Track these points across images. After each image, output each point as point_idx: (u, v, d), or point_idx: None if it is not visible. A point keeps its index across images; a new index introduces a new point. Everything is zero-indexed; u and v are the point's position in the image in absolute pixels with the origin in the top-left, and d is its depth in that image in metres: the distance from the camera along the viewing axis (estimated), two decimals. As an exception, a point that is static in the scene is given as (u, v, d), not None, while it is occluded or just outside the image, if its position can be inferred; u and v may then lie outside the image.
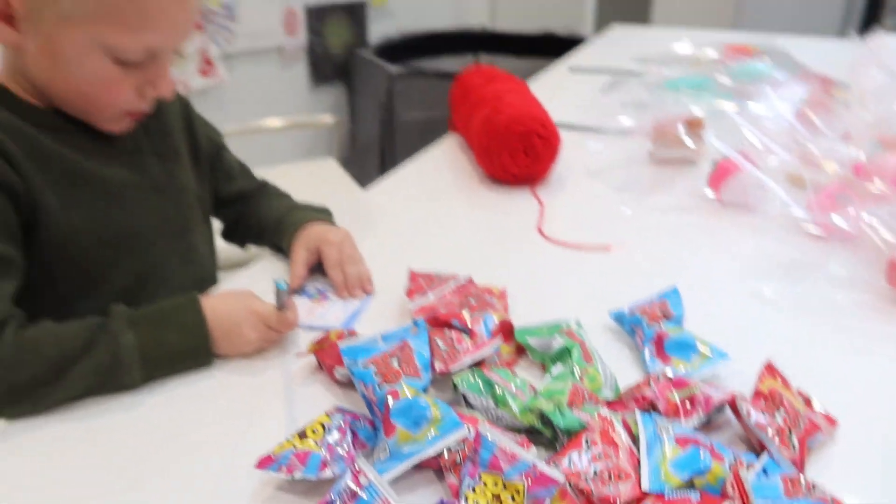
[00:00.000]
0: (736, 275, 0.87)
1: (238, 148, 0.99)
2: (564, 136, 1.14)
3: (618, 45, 2.22)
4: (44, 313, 0.66)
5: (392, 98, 2.82)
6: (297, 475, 0.51)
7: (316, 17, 2.88)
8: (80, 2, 0.62)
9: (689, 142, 1.18)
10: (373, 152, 2.98)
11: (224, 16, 2.47)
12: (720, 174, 1.04)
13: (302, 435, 0.54)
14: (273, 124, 2.01)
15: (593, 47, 2.21)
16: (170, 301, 0.69)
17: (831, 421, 0.61)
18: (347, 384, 0.65)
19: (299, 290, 0.82)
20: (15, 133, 0.68)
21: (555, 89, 1.70)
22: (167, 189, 0.80)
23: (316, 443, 0.54)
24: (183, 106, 0.87)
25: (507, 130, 1.06)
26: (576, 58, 2.03)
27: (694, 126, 1.23)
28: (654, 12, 4.08)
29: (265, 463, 0.53)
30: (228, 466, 0.57)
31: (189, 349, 0.67)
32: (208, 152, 0.90)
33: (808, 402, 0.62)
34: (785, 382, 0.63)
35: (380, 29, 3.29)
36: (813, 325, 0.77)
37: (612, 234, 0.97)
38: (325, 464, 0.52)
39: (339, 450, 0.53)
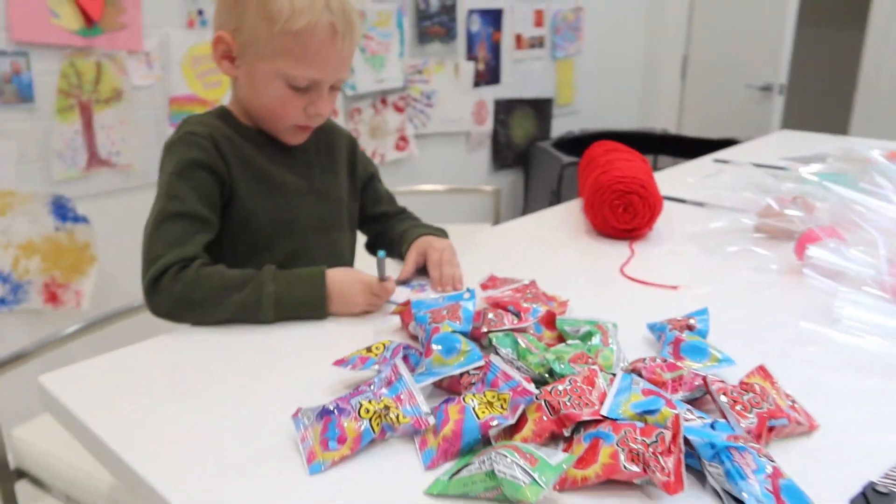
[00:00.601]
0: (786, 316, 0.96)
1: (413, 206, 1.26)
2: (678, 208, 1.28)
3: (777, 145, 2.28)
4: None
5: (561, 184, 3.05)
6: (357, 370, 0.72)
7: (504, 110, 3.21)
8: (268, 45, 0.93)
9: (790, 215, 1.26)
10: (539, 232, 3.19)
11: (423, 103, 2.88)
12: (804, 240, 1.13)
13: (368, 349, 0.75)
14: (438, 188, 2.31)
15: (751, 145, 2.29)
16: (306, 269, 0.94)
17: (810, 419, 0.70)
18: (415, 338, 0.85)
19: (405, 282, 1.05)
20: (230, 142, 1.00)
21: (689, 173, 1.83)
22: (324, 195, 1.08)
23: (375, 354, 0.74)
24: (351, 141, 1.17)
25: (609, 188, 1.23)
26: (728, 152, 2.13)
27: (801, 203, 1.30)
28: (853, 127, 3.97)
29: (339, 362, 0.74)
30: (318, 374, 0.78)
31: (310, 303, 0.92)
32: (362, 177, 1.18)
33: (793, 402, 0.72)
34: (773, 383, 0.73)
35: (563, 125, 3.56)
36: (840, 367, 0.84)
37: (687, 280, 1.09)
38: (377, 364, 0.72)
39: (389, 361, 0.73)
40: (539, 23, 3.25)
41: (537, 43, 3.28)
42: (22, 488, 1.16)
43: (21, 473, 1.15)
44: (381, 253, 0.92)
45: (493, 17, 3.01)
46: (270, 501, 0.59)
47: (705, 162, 2.00)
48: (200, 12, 2.04)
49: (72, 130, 1.85)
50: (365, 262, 1.23)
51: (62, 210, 1.88)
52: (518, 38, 3.16)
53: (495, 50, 3.07)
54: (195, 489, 0.60)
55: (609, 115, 3.87)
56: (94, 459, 0.69)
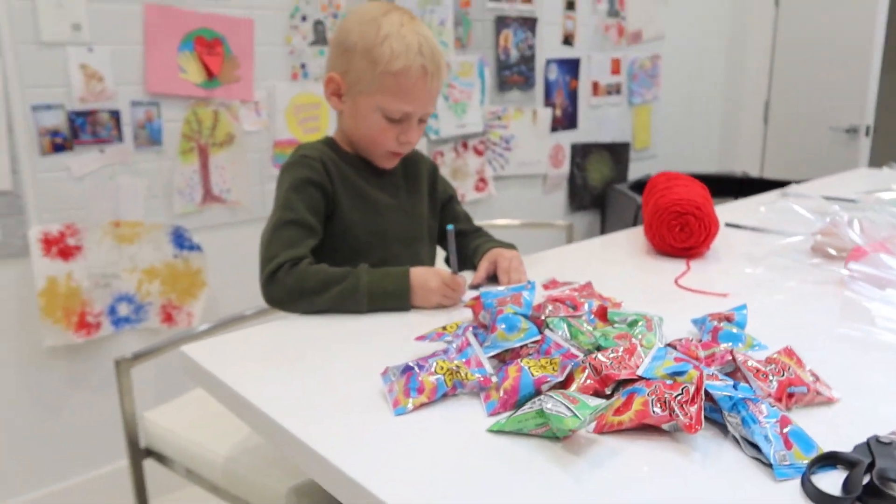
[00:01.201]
0: (826, 318, 1.04)
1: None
2: (739, 233, 1.37)
3: (852, 181, 2.31)
4: None
5: (636, 224, 3.13)
6: (435, 342, 0.87)
7: (581, 154, 3.34)
8: (371, 83, 1.13)
9: (845, 235, 1.33)
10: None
11: (502, 147, 3.05)
12: (853, 255, 1.20)
13: (443, 327, 0.90)
14: (513, 222, 2.45)
15: (827, 181, 2.33)
16: (394, 267, 1.11)
17: (830, 391, 0.79)
18: (485, 327, 0.99)
19: (477, 287, 1.19)
20: (335, 165, 1.20)
21: (756, 204, 1.90)
22: (409, 212, 1.25)
23: (450, 331, 0.89)
24: (432, 166, 1.36)
25: (667, 209, 1.35)
26: (801, 187, 2.18)
27: (858, 225, 1.37)
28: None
29: (420, 338, 0.89)
30: (401, 349, 0.93)
31: (396, 294, 1.08)
32: (441, 197, 1.37)
33: (816, 377, 0.81)
34: (799, 362, 0.82)
35: (641, 168, 3.65)
36: (872, 359, 0.92)
37: (739, 290, 1.18)
38: (450, 338, 0.86)
39: (461, 336, 0.87)
40: (616, 70, 3.39)
41: (614, 90, 3.41)
42: (148, 465, 1.35)
43: (149, 452, 1.35)
44: (450, 227, 1.09)
45: (571, 66, 3.17)
46: (369, 433, 0.73)
47: (774, 195, 2.06)
48: (303, 66, 2.29)
49: (191, 170, 2.12)
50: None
51: (180, 239, 2.13)
52: (595, 85, 3.31)
53: (572, 96, 3.22)
54: (310, 424, 0.75)
55: (688, 159, 3.93)
56: (213, 434, 0.85)
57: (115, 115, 1.94)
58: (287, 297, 1.08)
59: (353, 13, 1.18)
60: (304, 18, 2.26)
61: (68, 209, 1.90)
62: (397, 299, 1.08)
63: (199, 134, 2.12)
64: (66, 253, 1.93)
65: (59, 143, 1.87)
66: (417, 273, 1.09)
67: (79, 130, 1.89)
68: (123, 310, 2.08)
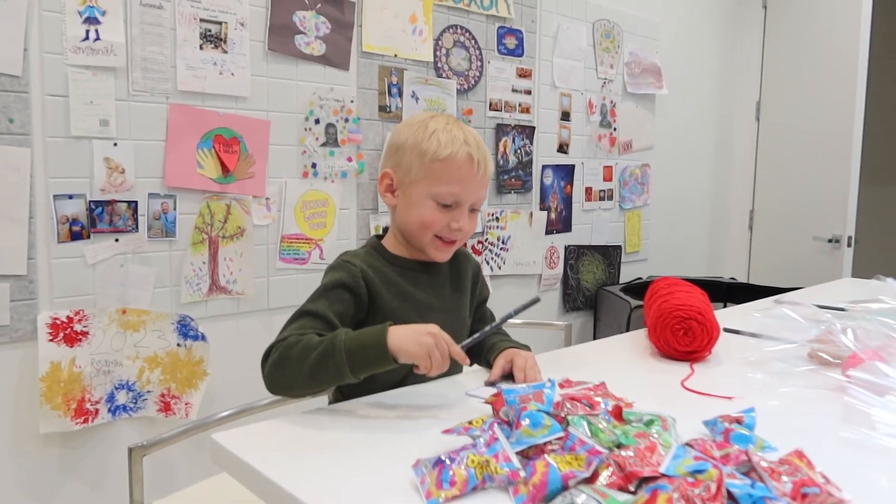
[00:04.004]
0: (828, 423, 1.08)
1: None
2: (737, 338, 1.43)
3: (840, 290, 2.40)
4: None
5: (629, 326, 3.19)
6: (462, 436, 0.90)
7: (574, 256, 3.44)
8: (420, 171, 1.22)
9: (840, 343, 1.39)
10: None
11: (499, 247, 3.14)
12: (850, 362, 1.26)
13: (469, 422, 0.93)
14: (514, 321, 2.49)
15: (815, 289, 2.42)
16: (374, 326, 1.11)
17: (839, 491, 0.82)
18: (507, 423, 1.02)
19: (493, 384, 1.22)
20: (377, 271, 1.26)
21: (749, 310, 1.97)
22: (452, 310, 1.32)
23: (476, 425, 0.92)
24: (476, 267, 1.45)
25: (670, 314, 1.41)
26: (791, 295, 2.27)
27: (852, 334, 1.43)
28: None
29: (447, 431, 0.92)
30: (428, 442, 0.96)
31: (375, 346, 1.06)
32: (479, 299, 1.44)
33: (826, 479, 0.84)
34: (809, 464, 0.86)
35: (632, 271, 3.74)
36: (874, 464, 0.96)
37: (743, 394, 1.23)
38: (477, 432, 0.90)
39: (487, 431, 0.91)
40: (608, 177, 3.54)
41: (606, 195, 3.55)
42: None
43: (154, 543, 1.33)
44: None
45: (566, 172, 3.32)
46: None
47: (767, 302, 2.14)
48: (314, 165, 2.40)
49: (200, 261, 2.17)
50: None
51: (185, 328, 2.16)
52: (588, 191, 3.45)
53: (567, 201, 3.35)
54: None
55: (677, 263, 4.05)
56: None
57: (133, 205, 2.01)
58: (272, 372, 1.10)
59: (403, 122, 1.31)
60: (317, 121, 2.39)
61: (78, 295, 1.93)
62: (376, 348, 1.06)
63: (211, 226, 2.19)
64: (72, 339, 1.94)
65: (76, 231, 1.92)
66: (398, 326, 1.09)
67: (97, 219, 1.95)
68: (122, 398, 2.07)
